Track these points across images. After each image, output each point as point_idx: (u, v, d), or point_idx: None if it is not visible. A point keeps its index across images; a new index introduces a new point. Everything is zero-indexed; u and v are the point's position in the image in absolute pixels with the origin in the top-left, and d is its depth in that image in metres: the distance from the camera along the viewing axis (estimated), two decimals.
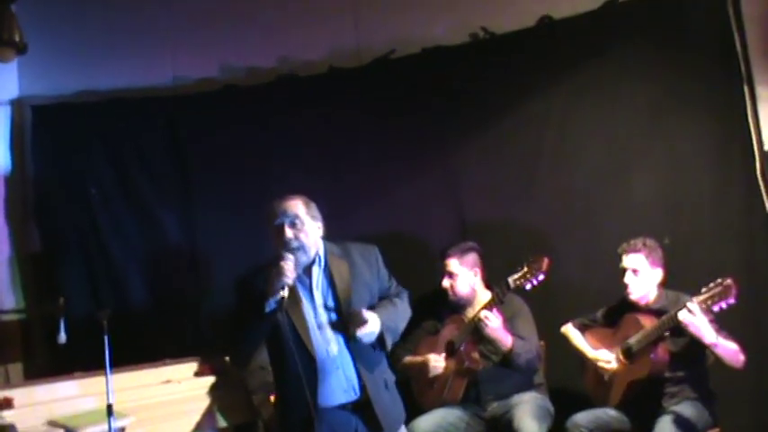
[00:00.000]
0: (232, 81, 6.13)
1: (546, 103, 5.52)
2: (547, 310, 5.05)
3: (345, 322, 3.61)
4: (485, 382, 4.79)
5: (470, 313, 4.79)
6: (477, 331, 4.66)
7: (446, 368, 4.81)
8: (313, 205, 3.73)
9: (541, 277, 4.40)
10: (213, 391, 5.15)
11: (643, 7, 5.28)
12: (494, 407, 4.76)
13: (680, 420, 4.24)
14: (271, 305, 3.46)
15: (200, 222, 6.05)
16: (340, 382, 3.62)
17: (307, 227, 3.64)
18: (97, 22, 6.16)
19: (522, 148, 5.58)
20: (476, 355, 4.74)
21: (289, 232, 3.58)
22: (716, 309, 4.07)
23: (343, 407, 3.64)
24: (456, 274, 4.89)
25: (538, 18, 5.56)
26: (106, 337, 4.18)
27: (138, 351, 5.36)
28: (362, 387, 3.64)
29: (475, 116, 5.66)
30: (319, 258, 3.70)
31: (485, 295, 4.82)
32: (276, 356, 3.71)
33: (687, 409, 4.32)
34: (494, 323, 4.55)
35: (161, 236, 6.08)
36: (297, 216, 3.61)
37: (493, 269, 4.99)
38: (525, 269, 4.44)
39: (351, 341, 3.62)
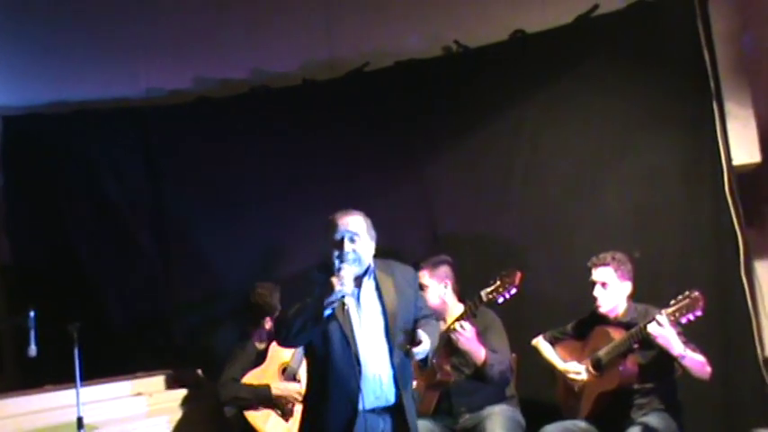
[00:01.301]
0: (205, 93, 6.14)
1: (518, 116, 5.57)
2: (519, 323, 5.07)
3: (392, 333, 3.80)
4: (457, 394, 4.79)
5: (443, 326, 4.80)
6: (449, 344, 4.67)
7: (418, 381, 4.82)
8: (370, 222, 3.91)
9: (513, 291, 4.42)
10: (185, 403, 5.14)
11: (615, 22, 5.34)
12: (465, 419, 4.76)
13: (648, 431, 4.28)
14: (328, 311, 3.66)
15: (172, 234, 6.03)
16: (376, 388, 3.76)
17: (364, 242, 3.82)
18: (69, 33, 6.15)
19: (495, 161, 5.62)
20: (448, 367, 4.75)
21: (348, 246, 3.77)
22: (684, 321, 4.13)
23: (371, 410, 3.77)
24: (426, 286, 4.90)
25: (511, 32, 5.61)
26: (76, 350, 4.18)
27: (112, 364, 5.35)
28: (397, 395, 3.79)
29: (448, 129, 5.70)
30: (370, 271, 3.87)
31: (457, 308, 4.83)
32: (321, 360, 3.82)
33: (655, 420, 4.35)
34: (467, 335, 4.57)
35: (133, 247, 6.05)
36: (357, 233, 3.81)
37: (465, 282, 5.00)
38: (498, 283, 4.46)
39: (406, 357, 3.81)
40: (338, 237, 3.79)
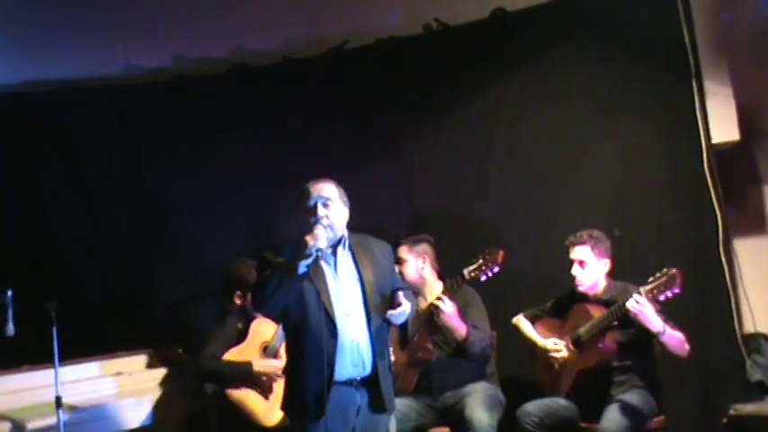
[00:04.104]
0: (185, 71, 6.11)
1: (498, 94, 5.57)
2: (499, 301, 5.07)
3: (370, 301, 3.80)
4: (437, 372, 4.81)
5: (423, 304, 4.81)
6: (430, 321, 4.68)
7: (399, 358, 4.83)
8: (342, 191, 3.91)
9: (496, 270, 4.44)
10: (165, 382, 5.13)
11: (595, 1, 5.31)
12: (446, 397, 4.79)
13: (627, 408, 4.31)
14: (303, 267, 3.63)
15: (151, 212, 6.02)
16: (353, 357, 3.76)
17: (337, 208, 3.83)
18: (47, 10, 6.06)
19: (475, 139, 5.62)
20: (429, 345, 4.77)
21: (322, 210, 3.77)
22: (662, 298, 4.15)
23: (349, 382, 3.77)
24: (405, 260, 4.95)
25: (491, 10, 5.59)
26: (54, 329, 4.16)
27: (91, 343, 5.33)
28: (374, 365, 3.79)
29: (428, 107, 5.69)
30: (344, 240, 3.88)
31: (437, 286, 4.86)
32: (298, 329, 3.81)
33: (634, 397, 4.39)
34: (448, 310, 4.58)
35: (112, 225, 6.03)
36: (329, 198, 3.82)
37: (445, 262, 5.01)
38: (480, 261, 4.47)
39: (385, 322, 3.81)
40: (311, 203, 3.79)
